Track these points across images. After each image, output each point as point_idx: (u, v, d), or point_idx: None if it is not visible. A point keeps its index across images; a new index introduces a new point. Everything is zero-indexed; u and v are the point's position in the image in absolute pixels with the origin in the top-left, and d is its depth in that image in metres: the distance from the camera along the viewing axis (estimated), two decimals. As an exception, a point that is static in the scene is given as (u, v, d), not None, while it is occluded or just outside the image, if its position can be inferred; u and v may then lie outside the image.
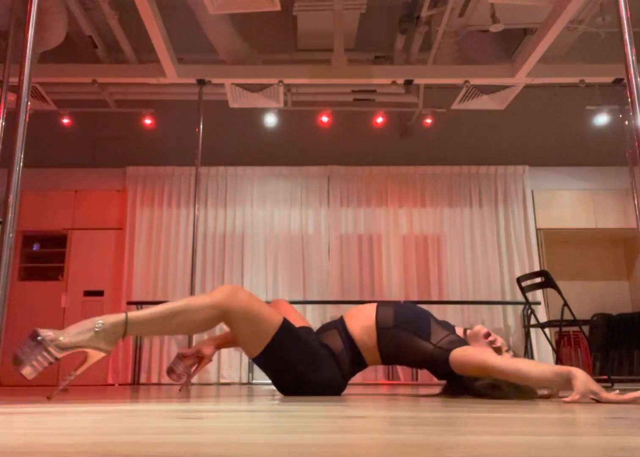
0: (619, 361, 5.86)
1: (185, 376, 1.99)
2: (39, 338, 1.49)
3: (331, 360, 1.93)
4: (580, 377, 1.45)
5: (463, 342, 1.86)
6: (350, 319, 2.00)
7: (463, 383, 1.82)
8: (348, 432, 0.73)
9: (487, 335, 1.90)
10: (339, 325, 2.00)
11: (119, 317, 1.61)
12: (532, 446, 0.59)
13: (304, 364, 1.89)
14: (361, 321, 1.97)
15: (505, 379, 1.64)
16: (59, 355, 1.50)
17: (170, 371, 2.00)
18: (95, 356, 1.57)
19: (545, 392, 1.75)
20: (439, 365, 1.85)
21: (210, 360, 2.04)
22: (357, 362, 1.99)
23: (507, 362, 1.64)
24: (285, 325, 1.87)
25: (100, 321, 1.58)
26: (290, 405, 1.39)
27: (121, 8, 4.90)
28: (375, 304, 2.02)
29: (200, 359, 2.02)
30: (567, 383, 1.48)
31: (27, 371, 1.46)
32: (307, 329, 2.08)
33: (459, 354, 1.78)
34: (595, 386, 1.43)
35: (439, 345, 1.87)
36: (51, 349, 1.49)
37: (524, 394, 1.68)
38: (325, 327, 2.05)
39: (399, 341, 1.92)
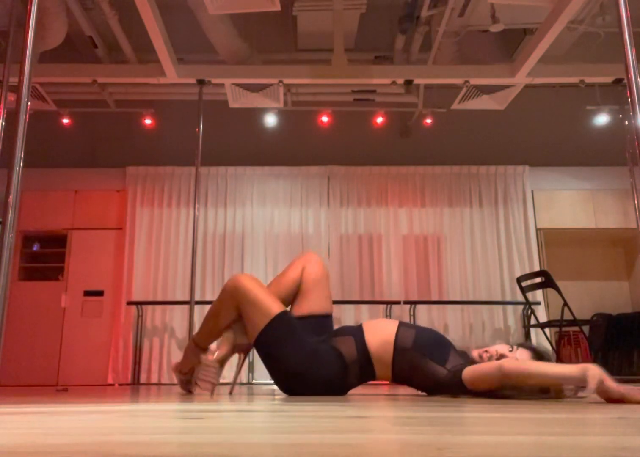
0: (619, 361, 5.86)
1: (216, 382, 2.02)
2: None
3: (335, 362, 1.93)
4: (593, 370, 1.43)
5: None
6: (370, 330, 1.99)
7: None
8: (348, 432, 0.73)
9: (482, 354, 1.88)
10: (356, 333, 1.99)
11: (190, 339, 2.17)
12: (532, 446, 0.59)
13: (296, 359, 1.90)
14: (380, 335, 1.96)
15: (522, 382, 1.61)
16: (185, 377, 2.17)
17: (204, 382, 2.00)
18: (200, 368, 2.06)
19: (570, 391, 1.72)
20: (453, 388, 1.82)
21: (249, 346, 2.05)
22: (367, 372, 1.98)
23: (521, 364, 1.63)
24: (281, 317, 1.92)
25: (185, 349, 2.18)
26: (290, 405, 1.39)
27: (121, 8, 4.90)
28: (397, 322, 2.02)
29: (237, 352, 2.07)
30: (582, 378, 1.46)
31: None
32: (318, 320, 2.07)
33: (471, 369, 1.76)
34: (609, 381, 1.41)
35: (453, 369, 1.85)
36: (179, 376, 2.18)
37: (548, 394, 1.67)
38: (341, 331, 2.04)
39: (414, 362, 1.90)
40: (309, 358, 1.91)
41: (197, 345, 2.12)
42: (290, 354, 1.91)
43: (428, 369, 1.88)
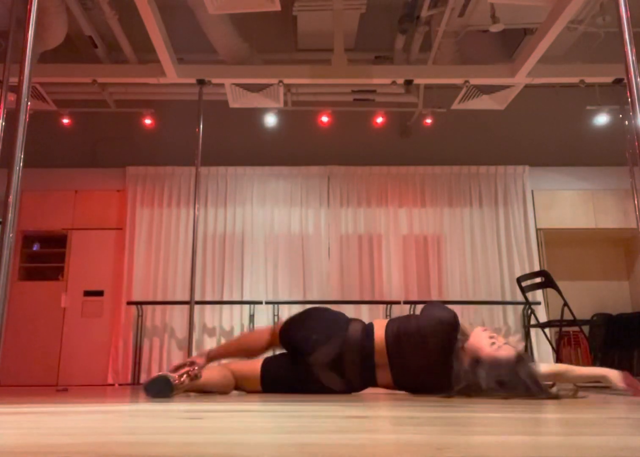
0: (619, 361, 5.86)
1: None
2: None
3: (338, 326, 2.23)
4: None
5: None
6: (376, 322, 2.30)
7: (474, 382, 1.82)
8: (348, 432, 0.73)
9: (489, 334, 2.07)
10: (366, 323, 2.30)
11: (204, 355, 2.40)
12: (532, 446, 0.59)
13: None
14: (381, 323, 2.27)
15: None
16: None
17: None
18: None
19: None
20: (438, 332, 2.05)
21: (202, 366, 2.33)
22: (367, 363, 2.11)
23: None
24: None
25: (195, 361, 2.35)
26: (290, 405, 1.39)
27: (121, 8, 4.90)
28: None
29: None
30: None
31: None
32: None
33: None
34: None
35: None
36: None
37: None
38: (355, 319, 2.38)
39: (402, 326, 2.15)
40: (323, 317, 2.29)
41: (208, 358, 2.41)
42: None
43: (412, 324, 2.14)
